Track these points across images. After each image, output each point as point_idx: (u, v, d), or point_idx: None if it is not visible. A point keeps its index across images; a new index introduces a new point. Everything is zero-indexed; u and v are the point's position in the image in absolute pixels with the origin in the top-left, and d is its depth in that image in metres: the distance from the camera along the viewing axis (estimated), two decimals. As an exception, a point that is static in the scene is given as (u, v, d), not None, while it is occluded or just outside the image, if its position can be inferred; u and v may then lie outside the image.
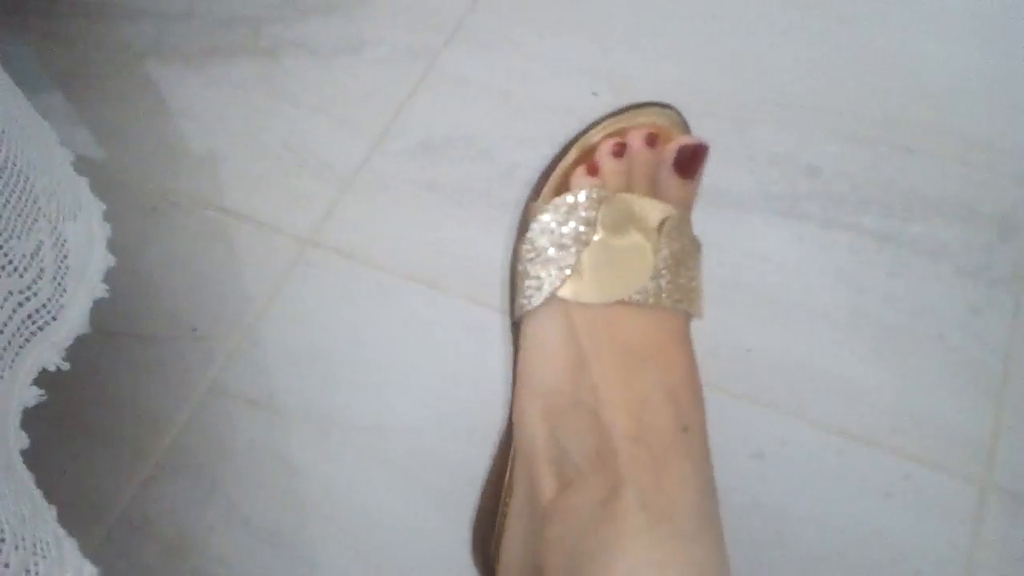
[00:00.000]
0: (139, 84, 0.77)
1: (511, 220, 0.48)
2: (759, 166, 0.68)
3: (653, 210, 0.45)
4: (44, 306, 0.45)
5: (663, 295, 0.44)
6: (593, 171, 0.47)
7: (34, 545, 0.37)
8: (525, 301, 0.45)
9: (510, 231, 0.48)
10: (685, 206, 0.48)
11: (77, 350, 0.48)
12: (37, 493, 0.41)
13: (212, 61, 0.78)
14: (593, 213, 0.45)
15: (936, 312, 0.61)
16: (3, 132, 0.43)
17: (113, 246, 0.53)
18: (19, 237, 0.43)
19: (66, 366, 0.47)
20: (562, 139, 0.51)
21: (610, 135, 0.49)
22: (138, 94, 0.77)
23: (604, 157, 0.47)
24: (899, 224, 0.65)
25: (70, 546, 0.40)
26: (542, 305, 0.44)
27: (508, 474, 0.47)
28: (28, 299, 0.44)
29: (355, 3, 0.80)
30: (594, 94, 0.72)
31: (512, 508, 0.46)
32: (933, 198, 0.66)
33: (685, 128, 0.51)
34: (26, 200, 0.44)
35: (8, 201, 0.43)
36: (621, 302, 0.43)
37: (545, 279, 0.44)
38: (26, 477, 0.41)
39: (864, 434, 0.57)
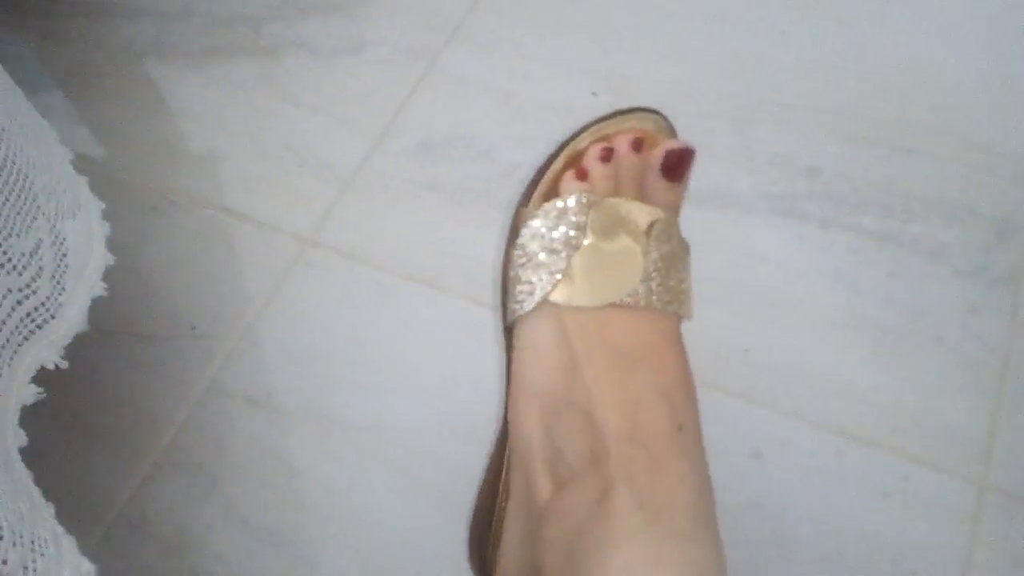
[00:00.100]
0: (139, 83, 0.77)
1: (510, 220, 0.49)
2: (759, 166, 0.68)
3: (641, 213, 0.46)
4: (43, 304, 0.45)
5: (654, 297, 0.44)
6: (582, 176, 0.47)
7: (32, 542, 0.37)
8: (517, 306, 0.45)
9: (507, 232, 0.49)
10: (673, 209, 0.48)
11: (76, 348, 0.48)
12: (35, 491, 0.41)
13: (212, 60, 0.78)
14: (583, 218, 0.45)
15: (935, 312, 0.61)
16: (3, 130, 0.43)
17: (112, 245, 0.53)
18: (18, 235, 0.43)
19: (65, 364, 0.47)
20: (562, 140, 0.51)
21: (597, 140, 0.49)
22: (138, 93, 0.77)
23: (592, 162, 0.47)
24: (898, 225, 0.65)
25: (68, 544, 0.40)
26: (534, 310, 0.44)
27: (504, 475, 0.47)
28: (27, 297, 0.44)
29: (356, 3, 0.80)
30: (594, 94, 0.73)
31: (509, 509, 0.46)
32: (932, 199, 0.66)
33: (672, 132, 0.51)
34: (25, 198, 0.44)
35: (7, 199, 0.43)
36: (612, 305, 0.43)
37: (537, 284, 0.45)
38: (24, 475, 0.41)
39: (863, 434, 0.57)
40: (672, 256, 0.46)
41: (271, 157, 0.72)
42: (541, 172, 0.50)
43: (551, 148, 0.51)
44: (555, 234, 0.45)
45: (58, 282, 0.47)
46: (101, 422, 0.61)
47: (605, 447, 0.40)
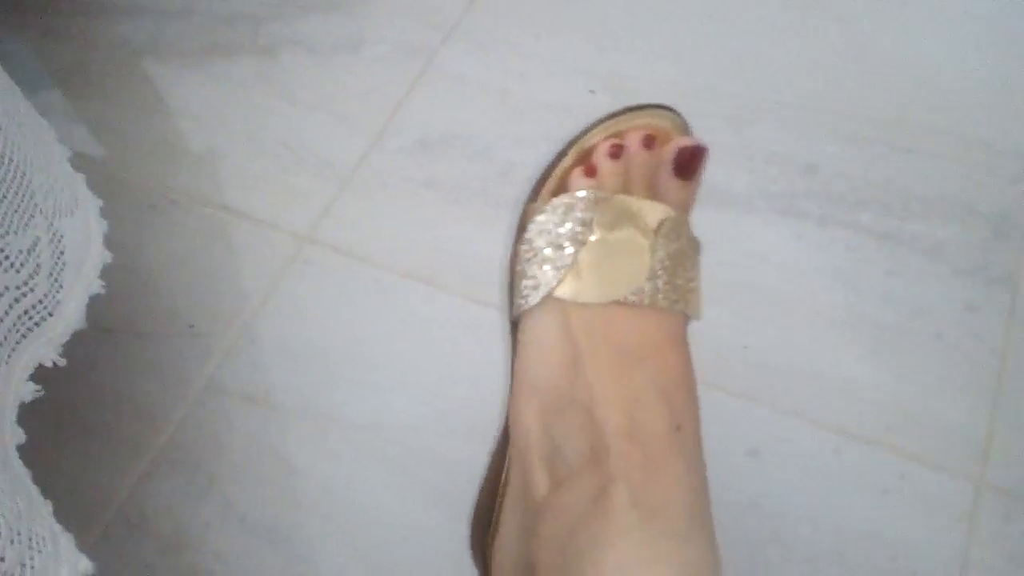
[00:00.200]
0: (138, 81, 0.77)
1: (508, 218, 0.48)
2: (757, 165, 0.68)
3: (651, 211, 0.45)
4: (40, 302, 0.45)
5: (659, 296, 0.44)
6: (590, 172, 0.47)
7: (30, 540, 0.37)
8: (522, 301, 0.45)
9: (507, 229, 0.48)
10: (684, 208, 0.47)
11: (74, 346, 0.48)
12: (33, 488, 0.41)
13: (211, 59, 0.78)
14: (590, 214, 0.45)
15: (933, 310, 0.61)
16: (0, 128, 0.43)
17: (111, 243, 0.53)
18: (16, 233, 0.43)
19: (63, 362, 0.47)
20: (559, 137, 0.51)
21: (608, 137, 0.49)
22: (136, 91, 0.77)
23: (601, 159, 0.47)
24: (897, 223, 0.65)
25: (66, 541, 0.40)
26: (539, 304, 0.44)
27: (505, 471, 0.47)
28: (24, 295, 0.44)
29: (354, 1, 0.80)
30: (591, 92, 0.73)
31: (506, 505, 0.46)
32: (931, 197, 0.66)
33: (685, 130, 0.51)
34: (23, 196, 0.44)
35: (5, 197, 0.43)
36: (618, 302, 0.43)
37: (542, 279, 0.44)
38: (22, 472, 0.41)
39: (861, 432, 0.57)
40: (680, 255, 0.45)
41: (269, 155, 0.72)
42: (550, 169, 0.50)
43: (549, 147, 0.51)
44: (561, 229, 0.45)
45: (56, 280, 0.46)
46: (99, 420, 0.61)
47: (605, 444, 0.40)
